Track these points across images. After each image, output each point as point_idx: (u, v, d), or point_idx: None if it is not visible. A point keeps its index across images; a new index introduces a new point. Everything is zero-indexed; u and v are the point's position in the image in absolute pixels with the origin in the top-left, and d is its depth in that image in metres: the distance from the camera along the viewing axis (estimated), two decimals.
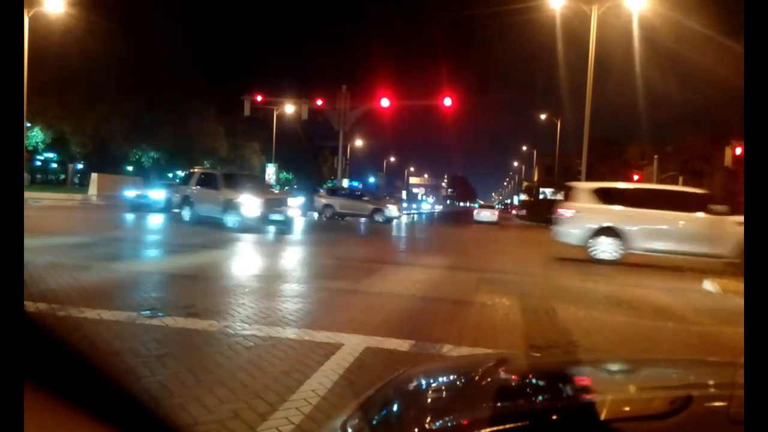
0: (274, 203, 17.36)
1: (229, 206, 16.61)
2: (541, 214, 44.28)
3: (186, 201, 18.38)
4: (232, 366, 3.95)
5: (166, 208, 23.50)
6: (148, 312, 5.33)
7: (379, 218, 28.22)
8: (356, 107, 34.04)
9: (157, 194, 24.50)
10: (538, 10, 25.36)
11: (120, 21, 35.58)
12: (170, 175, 55.29)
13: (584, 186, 13.89)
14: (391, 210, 29.13)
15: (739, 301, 7.55)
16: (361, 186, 68.53)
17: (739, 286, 8.82)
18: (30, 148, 39.74)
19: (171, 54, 44.24)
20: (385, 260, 12.03)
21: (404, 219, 30.47)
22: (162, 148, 49.49)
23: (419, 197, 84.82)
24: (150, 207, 23.87)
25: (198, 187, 18.17)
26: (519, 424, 0.95)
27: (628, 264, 12.47)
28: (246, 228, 16.06)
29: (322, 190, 33.58)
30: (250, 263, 10.38)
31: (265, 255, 11.87)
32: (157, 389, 3.36)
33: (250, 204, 16.55)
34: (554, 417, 1.05)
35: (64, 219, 19.15)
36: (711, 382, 1.30)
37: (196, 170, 20.04)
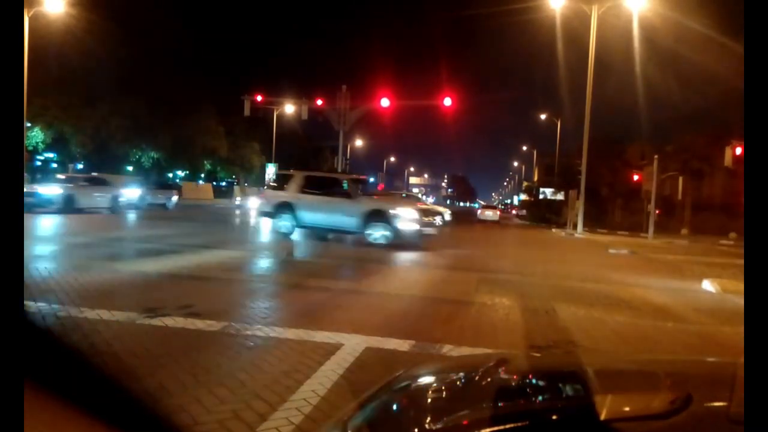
0: (427, 214, 14.96)
1: (376, 218, 13.82)
2: (541, 213, 44.45)
3: (284, 209, 15.09)
4: (232, 366, 3.95)
5: (67, 205, 19.63)
6: None
7: (438, 221, 27.61)
8: (356, 107, 34.01)
9: (50, 190, 20.42)
10: (538, 10, 25.39)
11: (120, 21, 35.60)
12: (170, 175, 55.29)
13: None
14: (446, 213, 28.86)
15: (739, 301, 7.55)
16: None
17: (739, 286, 8.82)
18: (30, 148, 39.69)
19: (171, 54, 44.34)
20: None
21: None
22: (162, 148, 49.47)
23: (419, 197, 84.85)
24: (40, 205, 19.41)
25: (308, 193, 15.02)
26: (519, 424, 0.95)
27: None
28: (399, 244, 13.62)
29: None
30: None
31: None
32: (157, 389, 3.36)
33: (408, 216, 13.87)
34: (554, 417, 1.05)
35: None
36: (711, 382, 1.30)
37: (294, 172, 16.55)
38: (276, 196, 15.79)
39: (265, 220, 16.39)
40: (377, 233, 13.75)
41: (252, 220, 24.97)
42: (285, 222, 15.18)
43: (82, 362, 0.67)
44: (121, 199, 23.75)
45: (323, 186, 15.23)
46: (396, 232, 13.66)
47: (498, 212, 45.96)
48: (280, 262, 10.65)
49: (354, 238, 15.07)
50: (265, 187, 20.12)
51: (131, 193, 26.86)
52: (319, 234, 15.31)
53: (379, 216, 13.81)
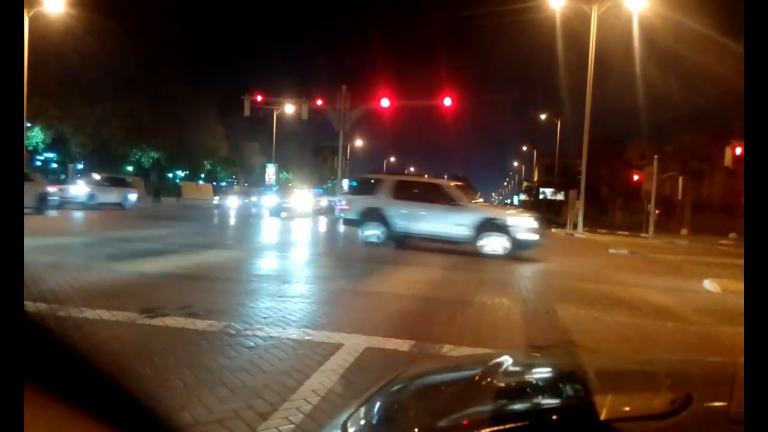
0: (538, 222, 13.91)
1: (491, 228, 12.85)
2: (541, 213, 44.47)
3: (374, 216, 14.03)
4: (233, 366, 3.95)
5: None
6: None
7: None
8: (356, 107, 34.06)
9: None
10: (538, 10, 25.41)
11: (120, 21, 35.61)
12: (170, 175, 55.27)
13: None
14: None
15: (739, 301, 7.55)
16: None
17: (739, 286, 8.82)
18: (30, 148, 39.74)
19: (171, 54, 44.34)
20: None
21: None
22: (162, 148, 49.52)
23: None
24: None
25: (403, 199, 13.97)
26: (519, 424, 0.95)
27: None
28: (513, 255, 12.62)
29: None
30: None
31: None
32: (157, 389, 3.36)
33: (527, 225, 12.96)
34: (554, 417, 1.05)
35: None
36: (711, 382, 1.30)
37: (383, 176, 15.32)
38: (363, 202, 14.43)
39: (274, 220, 15.65)
40: (494, 244, 12.77)
41: (232, 221, 24.13)
42: (374, 230, 14.07)
43: (82, 362, 0.67)
44: (51, 198, 19.94)
45: (420, 192, 14.19)
46: (516, 242, 12.69)
47: None
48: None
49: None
50: (342, 193, 18.39)
51: (77, 190, 23.31)
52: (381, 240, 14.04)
53: (495, 225, 12.84)
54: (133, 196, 27.12)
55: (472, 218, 13.02)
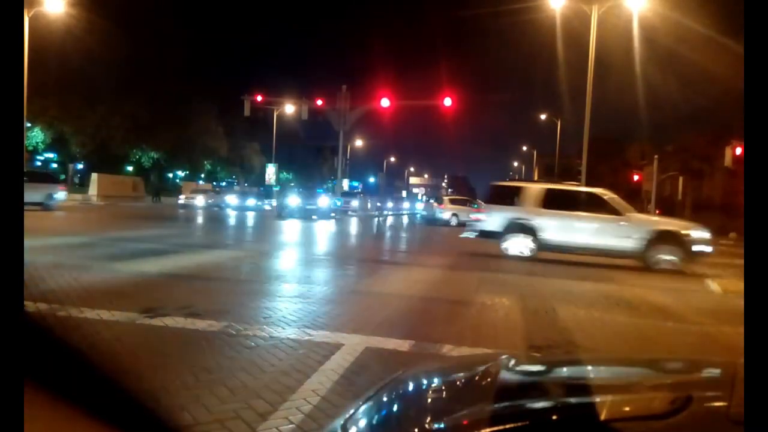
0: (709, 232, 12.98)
1: (665, 240, 12.11)
2: None
3: (520, 229, 12.99)
4: (233, 366, 3.95)
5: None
6: None
7: None
8: (356, 107, 34.06)
9: None
10: (538, 10, 25.36)
11: (120, 21, 35.62)
12: (170, 175, 55.26)
13: None
14: None
15: (739, 301, 7.55)
16: (361, 186, 68.69)
17: (739, 286, 8.82)
18: (30, 148, 39.75)
19: (171, 54, 44.37)
20: None
21: None
22: (162, 148, 49.52)
23: (419, 197, 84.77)
24: None
25: (555, 209, 12.91)
26: (519, 424, 0.95)
27: None
28: (679, 270, 11.94)
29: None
30: None
31: None
32: (157, 389, 3.36)
33: (702, 237, 12.25)
34: (554, 417, 1.05)
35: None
36: (711, 382, 1.30)
37: (527, 185, 14.05)
38: (506, 213, 13.23)
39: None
40: (668, 257, 12.06)
41: (200, 220, 23.15)
42: (522, 243, 13.05)
43: (82, 362, 0.67)
44: None
45: (575, 202, 13.10)
46: (691, 255, 12.08)
47: None
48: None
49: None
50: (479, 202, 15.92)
51: None
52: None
53: (670, 238, 12.15)
54: (60, 194, 23.13)
55: (643, 230, 12.27)
